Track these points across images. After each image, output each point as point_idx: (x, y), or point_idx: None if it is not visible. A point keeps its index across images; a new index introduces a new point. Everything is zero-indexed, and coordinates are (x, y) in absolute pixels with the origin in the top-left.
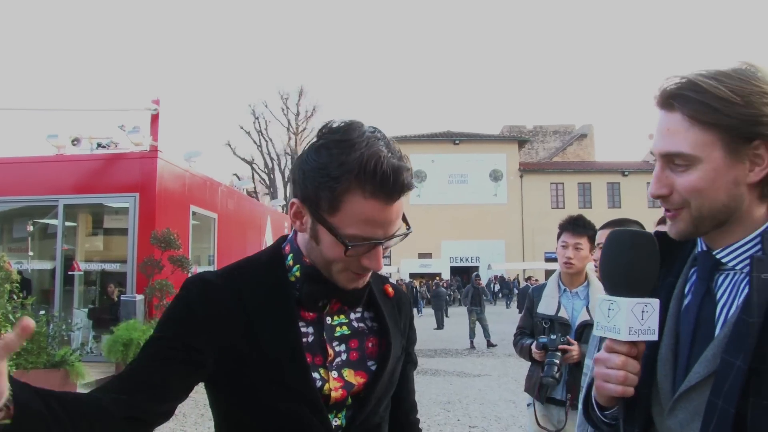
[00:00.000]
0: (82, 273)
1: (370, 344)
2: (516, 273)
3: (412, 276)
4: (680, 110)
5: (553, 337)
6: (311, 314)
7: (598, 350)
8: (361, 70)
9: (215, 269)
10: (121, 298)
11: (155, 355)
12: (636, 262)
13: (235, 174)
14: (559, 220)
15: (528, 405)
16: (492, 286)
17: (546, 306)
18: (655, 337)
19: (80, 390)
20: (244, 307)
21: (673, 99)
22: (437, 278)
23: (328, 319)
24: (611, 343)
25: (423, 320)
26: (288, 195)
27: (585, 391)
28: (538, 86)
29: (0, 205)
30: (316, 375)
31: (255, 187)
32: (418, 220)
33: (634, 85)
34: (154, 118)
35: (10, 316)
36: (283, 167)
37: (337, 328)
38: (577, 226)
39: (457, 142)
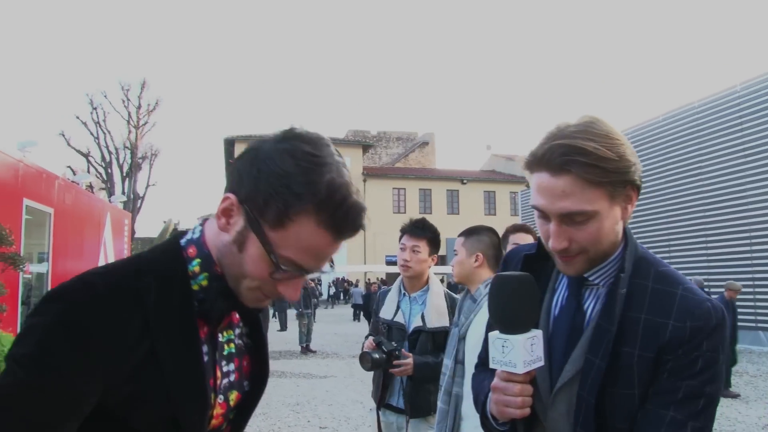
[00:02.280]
0: None
1: (245, 362)
2: (357, 275)
3: None
4: (573, 173)
5: (395, 344)
6: (204, 330)
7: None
8: (207, 66)
9: (87, 274)
10: None
11: (50, 421)
12: (521, 303)
13: (69, 166)
14: (401, 224)
15: (371, 410)
16: (329, 288)
17: (386, 310)
18: (542, 363)
19: None
20: (148, 330)
21: (565, 165)
22: None
23: (219, 336)
24: (508, 375)
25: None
26: (127, 189)
27: (481, 408)
28: (383, 93)
29: None
30: None
31: (91, 182)
32: None
33: (472, 97)
34: None
35: None
36: (121, 161)
37: (225, 346)
38: (416, 228)
39: None
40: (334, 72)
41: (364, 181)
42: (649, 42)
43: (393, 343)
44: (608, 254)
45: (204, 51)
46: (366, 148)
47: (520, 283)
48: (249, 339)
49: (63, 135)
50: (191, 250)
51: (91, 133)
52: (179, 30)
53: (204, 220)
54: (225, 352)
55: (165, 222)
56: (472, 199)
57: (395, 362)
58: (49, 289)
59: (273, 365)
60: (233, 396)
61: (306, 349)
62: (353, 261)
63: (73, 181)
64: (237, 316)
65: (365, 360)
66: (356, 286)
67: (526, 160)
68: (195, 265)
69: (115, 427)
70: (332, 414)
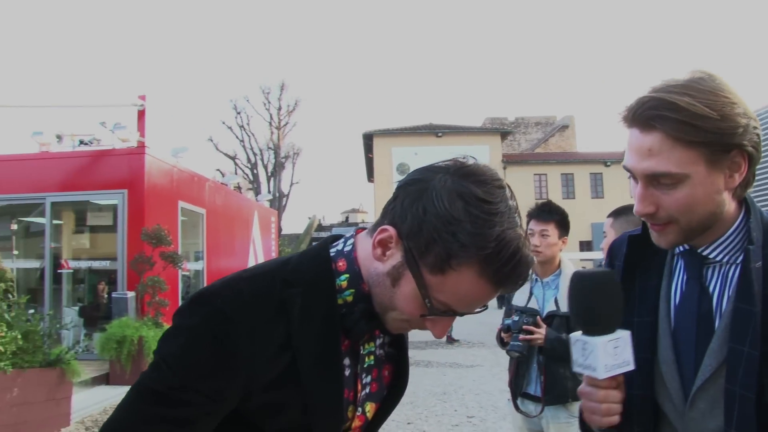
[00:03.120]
0: (71, 271)
1: (386, 372)
2: None
3: None
4: (661, 130)
5: (516, 318)
6: (346, 342)
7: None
8: (343, 64)
9: (243, 271)
10: (113, 295)
11: (189, 417)
12: (602, 302)
13: (218, 169)
14: None
15: (508, 400)
16: None
17: (518, 297)
18: (631, 367)
19: (76, 388)
20: (290, 342)
21: (651, 120)
22: None
23: (362, 348)
24: (591, 380)
25: None
26: (273, 188)
27: (579, 413)
28: (519, 78)
29: None
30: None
31: (239, 182)
32: None
33: (613, 75)
34: (141, 114)
35: (5, 315)
36: (266, 161)
37: (366, 358)
38: (542, 212)
39: (439, 134)
40: (469, 61)
41: (504, 168)
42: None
43: (515, 318)
44: (706, 225)
45: (338, 47)
46: (504, 135)
47: (601, 281)
48: (391, 348)
49: (211, 140)
50: (341, 263)
51: (237, 137)
52: (313, 29)
53: (357, 231)
54: (365, 365)
55: (309, 218)
56: (618, 182)
57: (525, 327)
58: (204, 286)
59: (420, 355)
60: (369, 408)
61: (450, 339)
62: None
63: (222, 183)
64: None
65: (517, 352)
66: None
67: (622, 114)
68: (343, 280)
69: (250, 431)
70: (479, 403)
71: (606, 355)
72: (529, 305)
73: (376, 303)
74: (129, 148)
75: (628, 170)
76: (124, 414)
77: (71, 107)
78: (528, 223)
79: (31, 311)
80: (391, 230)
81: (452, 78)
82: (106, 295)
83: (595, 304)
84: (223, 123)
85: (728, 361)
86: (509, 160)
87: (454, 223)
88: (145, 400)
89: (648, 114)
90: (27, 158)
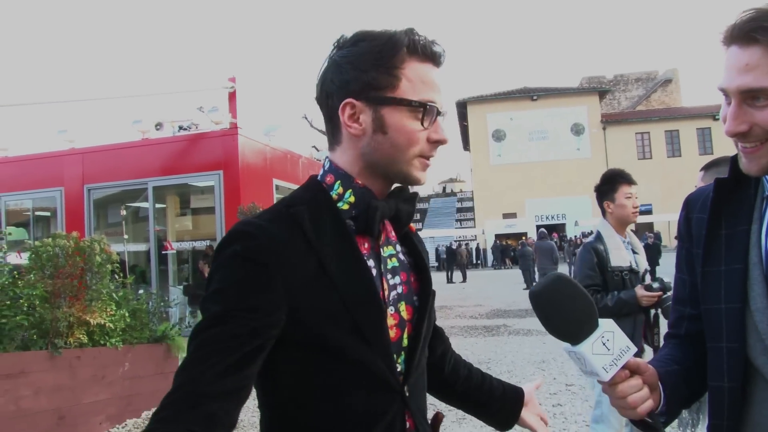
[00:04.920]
0: (175, 252)
1: (413, 278)
2: None
3: (498, 237)
4: (763, 43)
5: (667, 280)
6: (366, 246)
7: None
8: (433, 30)
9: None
10: None
11: (243, 336)
12: (566, 312)
13: (314, 146)
14: (647, 171)
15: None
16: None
17: (620, 258)
18: (634, 350)
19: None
20: (311, 246)
21: (753, 32)
22: (523, 238)
23: (382, 250)
24: (602, 383)
25: (514, 280)
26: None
27: None
28: (617, 33)
29: (95, 192)
30: None
31: None
32: (500, 179)
33: (720, 21)
34: (232, 96)
35: (114, 295)
36: None
37: (389, 260)
38: (630, 176)
39: (534, 98)
40: (563, 18)
41: (604, 129)
42: None
43: (662, 278)
44: None
45: (428, 14)
46: (602, 94)
47: (553, 290)
48: (411, 257)
49: (306, 117)
50: (329, 179)
51: None
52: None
53: (327, 157)
54: (389, 266)
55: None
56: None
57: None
58: None
59: (519, 323)
60: (403, 307)
61: None
62: (598, 213)
63: (317, 159)
64: (393, 234)
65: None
66: None
67: (722, 35)
68: (337, 188)
69: (308, 355)
70: (579, 371)
71: (598, 357)
72: (631, 265)
73: (383, 166)
74: (222, 130)
75: (722, 91)
76: (191, 362)
77: (166, 94)
78: (616, 189)
79: (141, 291)
80: (349, 100)
81: (546, 38)
82: (207, 274)
83: (562, 316)
84: (316, 100)
85: None
86: (609, 120)
87: (373, 49)
88: (202, 344)
89: (749, 26)
90: (130, 146)
